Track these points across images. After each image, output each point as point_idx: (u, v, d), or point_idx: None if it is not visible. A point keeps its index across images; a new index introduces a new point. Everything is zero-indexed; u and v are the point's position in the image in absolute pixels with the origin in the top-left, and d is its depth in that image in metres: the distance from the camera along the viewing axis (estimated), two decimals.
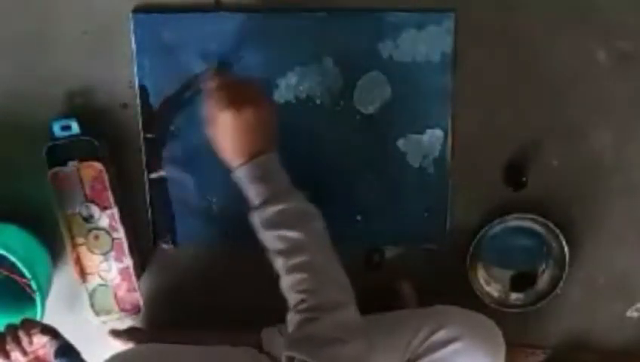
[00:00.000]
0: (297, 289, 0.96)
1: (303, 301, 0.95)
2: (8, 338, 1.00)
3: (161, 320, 1.28)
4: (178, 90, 1.18)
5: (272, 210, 0.98)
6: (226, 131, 1.00)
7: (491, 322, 1.11)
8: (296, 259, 0.97)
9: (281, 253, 0.98)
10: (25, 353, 1.00)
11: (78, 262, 1.22)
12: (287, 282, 0.98)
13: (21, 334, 1.00)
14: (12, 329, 1.01)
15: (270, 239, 0.99)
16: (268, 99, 1.04)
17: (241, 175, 1.00)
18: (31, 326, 1.01)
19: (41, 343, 1.01)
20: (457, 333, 1.05)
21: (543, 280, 1.28)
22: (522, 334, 1.30)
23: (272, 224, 0.99)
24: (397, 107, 1.19)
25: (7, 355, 0.99)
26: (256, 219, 1.00)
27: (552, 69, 1.19)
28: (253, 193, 1.00)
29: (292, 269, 0.97)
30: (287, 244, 0.98)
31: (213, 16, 1.16)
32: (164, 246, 1.26)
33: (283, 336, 1.08)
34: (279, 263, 0.98)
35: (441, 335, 1.06)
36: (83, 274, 1.23)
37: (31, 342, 1.00)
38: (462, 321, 1.08)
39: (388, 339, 1.08)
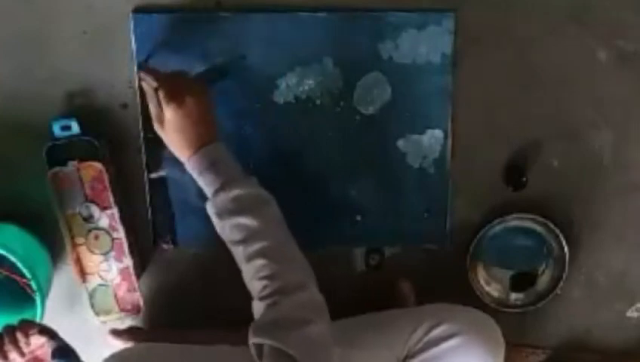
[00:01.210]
0: (258, 277, 0.98)
1: (264, 287, 0.97)
2: (6, 339, 0.99)
3: (161, 320, 1.28)
4: None
5: (224, 197, 1.01)
6: (171, 126, 1.04)
7: (490, 318, 1.12)
8: (254, 246, 0.99)
9: (239, 242, 1.00)
10: (22, 354, 0.99)
11: (78, 262, 1.22)
12: (248, 271, 1.00)
13: (19, 335, 1.00)
14: (10, 330, 1.00)
15: (227, 229, 1.01)
16: (207, 91, 1.08)
17: (191, 166, 1.04)
18: (29, 326, 1.01)
19: (38, 344, 1.00)
20: (456, 329, 1.05)
21: (543, 280, 1.28)
22: (522, 334, 1.31)
23: (227, 212, 1.01)
24: (397, 107, 1.19)
25: (5, 356, 0.99)
26: (211, 209, 1.03)
27: (552, 69, 1.19)
28: (204, 183, 1.03)
29: (251, 257, 0.99)
30: (245, 232, 1.00)
31: (213, 16, 1.16)
32: (164, 246, 1.26)
33: None
34: (239, 253, 1.01)
35: (439, 331, 1.06)
36: (83, 274, 1.23)
37: (28, 343, 1.00)
38: (461, 317, 1.09)
39: (386, 336, 1.09)
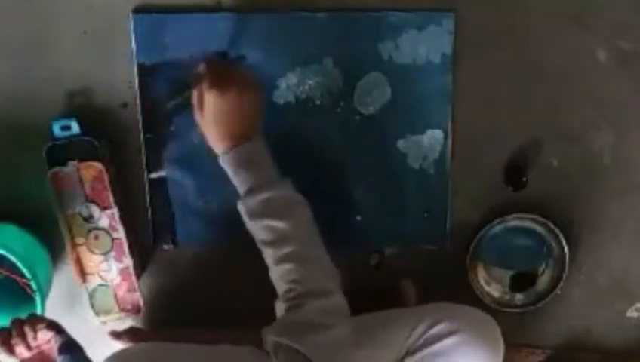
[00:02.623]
0: (286, 280, 0.98)
1: (290, 290, 0.98)
2: (14, 333, 1.00)
3: (161, 320, 1.29)
4: (178, 91, 1.18)
5: (257, 198, 1.00)
6: (209, 114, 1.01)
7: (490, 318, 1.12)
8: (284, 250, 0.99)
9: (269, 244, 1.00)
10: (29, 347, 1.00)
11: (78, 262, 1.22)
12: (276, 273, 1.00)
13: (26, 329, 1.00)
14: (18, 324, 1.01)
15: (257, 230, 1.01)
16: (256, 85, 1.04)
17: (226, 162, 1.02)
18: (36, 321, 1.02)
19: (45, 338, 1.01)
20: (456, 327, 1.05)
21: (543, 280, 1.28)
22: (522, 334, 1.30)
23: (258, 214, 1.00)
24: (397, 108, 1.19)
25: (11, 349, 0.99)
26: (242, 208, 1.01)
27: (552, 69, 1.19)
28: (238, 181, 1.02)
29: (280, 260, 0.99)
30: (275, 235, 0.99)
31: (213, 16, 1.16)
32: (164, 246, 1.26)
33: None
34: (268, 254, 1.00)
35: (439, 328, 1.06)
36: (83, 274, 1.23)
37: (36, 337, 1.01)
38: (461, 316, 1.09)
39: (386, 334, 1.09)
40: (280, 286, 1.00)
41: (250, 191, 1.00)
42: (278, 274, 1.00)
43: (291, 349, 0.93)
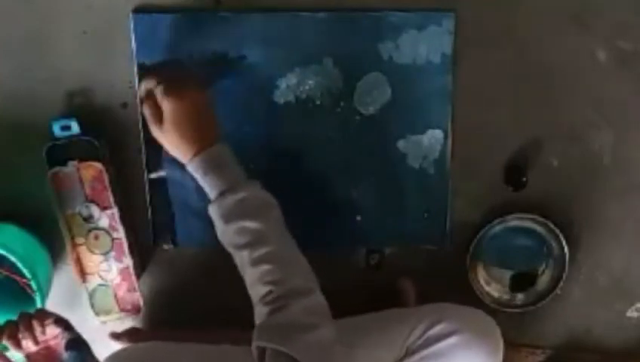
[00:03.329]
0: (264, 281, 0.96)
1: (270, 292, 0.96)
2: (21, 327, 1.00)
3: (161, 320, 1.29)
4: None
5: (230, 200, 0.99)
6: (170, 123, 1.01)
7: (490, 318, 1.12)
8: (260, 251, 0.97)
9: (244, 246, 0.98)
10: (36, 342, 1.00)
11: (78, 262, 1.22)
12: (252, 275, 0.98)
13: (35, 323, 1.00)
14: (26, 318, 1.01)
15: (231, 233, 0.99)
16: (205, 87, 1.05)
17: (194, 167, 1.01)
18: (45, 316, 1.02)
19: (53, 334, 1.01)
20: (455, 327, 1.05)
21: (543, 280, 1.28)
22: (522, 334, 1.31)
23: (232, 215, 0.99)
24: (397, 108, 1.19)
25: (18, 343, 0.99)
26: (214, 212, 1.00)
27: (552, 68, 1.19)
28: (208, 185, 1.00)
29: (257, 261, 0.97)
30: (250, 237, 0.98)
31: (213, 16, 1.16)
32: (164, 246, 1.26)
33: None
34: (243, 257, 0.98)
35: (439, 328, 1.06)
36: (83, 274, 1.23)
37: (44, 332, 1.00)
38: (461, 316, 1.09)
39: (386, 335, 1.09)
40: (258, 290, 0.97)
41: (223, 193, 0.99)
42: (255, 277, 0.97)
43: (278, 353, 0.91)
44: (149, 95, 1.03)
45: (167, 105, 1.01)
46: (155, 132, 1.04)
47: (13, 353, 1.01)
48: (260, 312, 0.97)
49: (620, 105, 1.21)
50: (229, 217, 0.99)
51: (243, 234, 0.98)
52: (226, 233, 1.00)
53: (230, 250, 1.00)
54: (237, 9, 1.16)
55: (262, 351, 0.93)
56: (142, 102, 1.05)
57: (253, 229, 0.98)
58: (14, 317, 1.03)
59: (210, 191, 1.01)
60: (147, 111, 1.03)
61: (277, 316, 0.94)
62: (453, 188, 1.23)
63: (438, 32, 1.16)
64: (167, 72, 1.07)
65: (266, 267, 0.96)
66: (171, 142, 1.02)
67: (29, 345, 1.00)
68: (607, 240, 1.27)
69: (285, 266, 0.98)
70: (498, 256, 1.27)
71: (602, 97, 1.21)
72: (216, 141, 1.02)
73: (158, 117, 1.02)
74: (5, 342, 0.99)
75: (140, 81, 1.10)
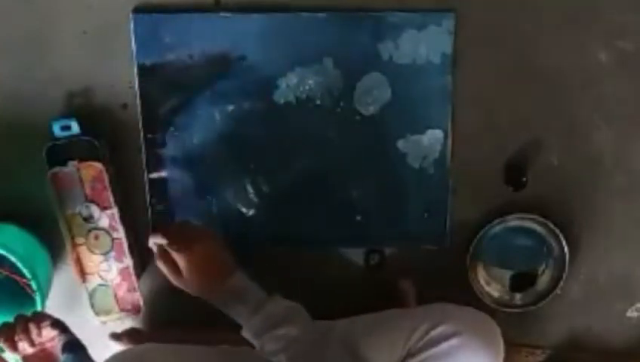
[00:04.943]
0: None
1: None
2: (18, 329, 1.00)
3: (161, 320, 1.28)
4: (178, 91, 1.18)
5: (258, 319, 1.06)
6: (189, 275, 1.08)
7: (490, 318, 1.11)
8: (298, 347, 1.05)
9: (280, 351, 1.05)
10: (33, 344, 1.00)
11: (78, 262, 1.22)
12: None
13: (31, 326, 1.01)
14: (22, 320, 1.01)
15: (267, 344, 1.06)
16: (212, 233, 1.12)
17: (219, 304, 1.09)
18: (42, 318, 1.02)
19: (49, 336, 1.01)
20: (456, 329, 1.05)
21: (543, 280, 1.28)
22: (522, 334, 1.30)
23: (263, 330, 1.06)
24: (397, 108, 1.19)
25: (14, 345, 0.99)
26: (248, 333, 1.07)
27: (553, 69, 1.19)
28: (236, 314, 1.08)
29: (295, 359, 1.04)
30: (283, 342, 1.05)
31: (213, 16, 1.16)
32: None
33: None
34: (282, 360, 1.05)
35: (440, 330, 1.06)
36: (83, 274, 1.23)
37: (40, 334, 1.01)
38: (461, 317, 1.08)
39: (386, 336, 1.09)
40: None
41: (251, 316, 1.06)
42: None
43: None
44: (161, 251, 1.09)
45: (182, 262, 1.08)
46: (176, 282, 1.10)
47: (9, 355, 1.01)
48: None
49: (620, 105, 1.21)
50: (261, 332, 1.06)
51: (277, 341, 1.05)
52: (263, 346, 1.06)
53: (271, 357, 1.06)
54: (237, 9, 1.16)
55: None
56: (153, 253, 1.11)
57: (284, 335, 1.05)
58: (12, 319, 1.03)
59: (240, 319, 1.08)
60: (164, 268, 1.10)
61: None
62: (453, 188, 1.23)
63: (438, 32, 1.16)
64: (173, 228, 1.13)
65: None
66: (193, 289, 1.10)
67: (25, 347, 1.00)
68: (607, 240, 1.27)
69: (320, 358, 1.05)
70: (498, 256, 1.27)
71: (602, 97, 1.21)
72: (232, 272, 1.09)
73: (176, 270, 1.09)
74: (1, 344, 1.00)
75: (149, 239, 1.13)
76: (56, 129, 1.16)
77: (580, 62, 1.19)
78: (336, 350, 1.07)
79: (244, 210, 1.23)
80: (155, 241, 1.10)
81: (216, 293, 1.08)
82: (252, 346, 1.16)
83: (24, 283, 1.14)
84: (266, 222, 1.24)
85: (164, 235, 1.09)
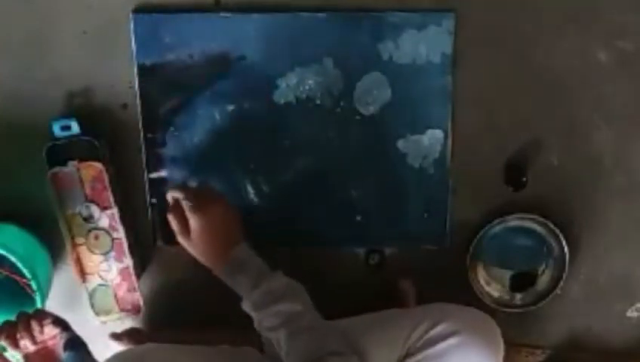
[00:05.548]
0: (301, 351, 1.00)
1: (310, 356, 0.99)
2: (20, 326, 1.00)
3: (161, 320, 1.29)
4: (178, 91, 1.18)
5: (259, 292, 1.04)
6: (198, 235, 1.07)
7: (490, 318, 1.11)
8: (295, 326, 1.02)
9: (279, 326, 1.02)
10: (35, 342, 1.00)
11: (78, 262, 1.22)
12: (290, 349, 1.01)
13: (33, 323, 1.01)
14: (24, 318, 1.01)
15: (265, 319, 1.03)
16: (225, 199, 1.10)
17: (223, 274, 1.07)
18: (43, 316, 1.03)
19: (51, 334, 1.01)
20: (456, 328, 1.05)
21: (543, 280, 1.28)
22: (522, 334, 1.31)
23: (263, 304, 1.03)
24: (397, 108, 1.19)
25: (16, 343, 1.00)
26: (247, 307, 1.05)
27: (553, 69, 1.19)
28: (237, 286, 1.06)
29: (293, 335, 1.01)
30: (283, 317, 1.02)
31: (213, 16, 1.16)
32: (165, 246, 1.26)
33: None
34: (279, 335, 1.02)
35: (439, 329, 1.06)
36: (83, 274, 1.23)
37: (42, 332, 1.01)
38: (461, 316, 1.09)
39: (386, 335, 1.09)
40: (298, 357, 1.01)
41: (253, 289, 1.04)
42: (293, 350, 1.01)
43: None
44: (175, 206, 1.08)
45: (194, 222, 1.06)
46: (183, 241, 1.09)
47: (11, 353, 1.01)
48: None
49: (620, 105, 1.21)
50: (260, 306, 1.03)
51: (276, 316, 1.03)
52: (261, 321, 1.04)
53: (269, 334, 1.04)
54: (237, 9, 1.16)
55: None
56: (167, 206, 1.10)
57: (284, 311, 1.02)
58: (14, 318, 1.03)
59: (240, 291, 1.05)
60: (174, 223, 1.08)
61: None
62: (453, 188, 1.23)
63: (438, 32, 1.16)
64: (192, 188, 1.13)
65: (302, 337, 1.01)
66: (198, 252, 1.08)
67: (27, 345, 1.00)
68: (607, 240, 1.27)
69: (321, 336, 1.02)
70: (498, 256, 1.27)
71: (602, 97, 1.21)
72: (238, 242, 1.07)
73: (185, 228, 1.07)
74: (3, 342, 1.00)
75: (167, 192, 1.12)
76: (56, 129, 1.16)
77: (580, 62, 1.19)
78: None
79: (244, 209, 1.23)
80: (173, 195, 1.09)
81: (219, 260, 1.06)
82: (252, 346, 1.16)
83: (24, 283, 1.14)
84: (266, 222, 1.24)
85: (182, 192, 1.08)
